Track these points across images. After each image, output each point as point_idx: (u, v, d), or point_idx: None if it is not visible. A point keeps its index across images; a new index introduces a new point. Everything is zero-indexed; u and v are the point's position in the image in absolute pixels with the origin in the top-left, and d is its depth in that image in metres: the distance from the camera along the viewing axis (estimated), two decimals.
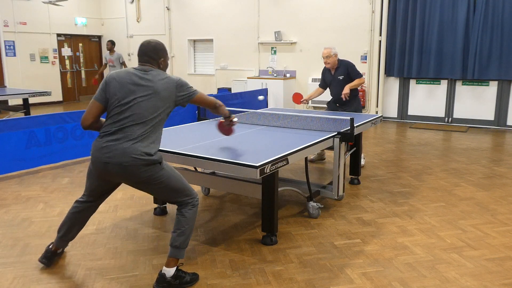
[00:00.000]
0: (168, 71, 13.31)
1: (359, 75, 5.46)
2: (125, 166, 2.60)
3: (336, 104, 5.64)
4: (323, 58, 5.48)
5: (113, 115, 2.68)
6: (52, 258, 3.08)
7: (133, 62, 13.37)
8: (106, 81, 2.74)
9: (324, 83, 5.71)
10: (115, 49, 10.18)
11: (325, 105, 6.13)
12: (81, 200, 3.00)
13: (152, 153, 2.66)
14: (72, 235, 3.07)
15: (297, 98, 5.80)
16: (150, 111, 2.66)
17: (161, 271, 2.77)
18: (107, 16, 13.73)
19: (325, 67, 5.64)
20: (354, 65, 5.54)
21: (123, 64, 9.90)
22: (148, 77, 2.71)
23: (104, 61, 10.18)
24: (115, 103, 2.67)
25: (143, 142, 2.64)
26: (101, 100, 2.72)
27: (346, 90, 5.32)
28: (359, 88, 5.68)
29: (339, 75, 5.49)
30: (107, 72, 10.75)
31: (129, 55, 13.43)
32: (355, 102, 5.58)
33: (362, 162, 5.66)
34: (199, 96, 2.91)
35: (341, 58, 5.60)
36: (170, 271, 2.74)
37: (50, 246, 3.10)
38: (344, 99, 5.37)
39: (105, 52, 13.94)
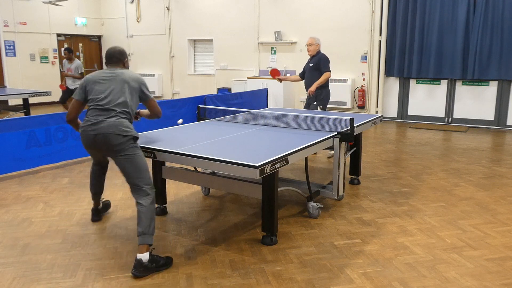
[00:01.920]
0: (168, 71, 13.37)
1: (326, 70, 6.02)
2: (108, 135, 3.12)
3: (306, 92, 6.15)
4: (306, 46, 6.15)
5: (93, 105, 3.23)
6: (99, 213, 3.96)
7: (132, 63, 13.39)
8: (83, 83, 3.33)
9: (302, 72, 6.33)
10: (74, 57, 9.41)
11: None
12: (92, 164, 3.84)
13: (131, 129, 3.20)
14: (99, 190, 3.84)
15: (274, 73, 6.74)
16: (125, 95, 3.24)
17: (136, 257, 2.97)
18: (107, 16, 13.73)
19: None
20: (327, 60, 6.09)
21: (82, 74, 9.02)
22: (117, 72, 3.32)
23: (61, 69, 9.38)
24: (94, 98, 3.24)
25: (123, 120, 3.19)
26: (80, 98, 3.33)
27: (313, 88, 5.96)
28: (359, 88, 5.95)
29: (310, 63, 6.16)
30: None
31: (129, 55, 13.42)
32: (320, 93, 6.07)
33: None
34: (152, 102, 3.48)
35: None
36: (145, 256, 2.97)
37: (92, 208, 3.96)
38: (309, 95, 6.07)
39: (103, 55, 13.94)
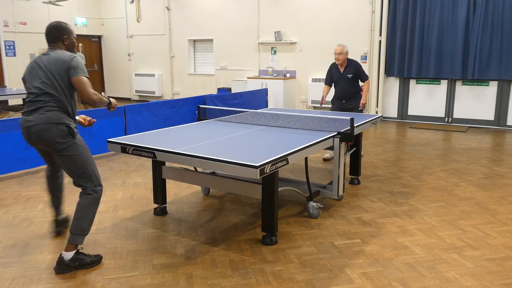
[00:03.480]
0: (168, 71, 13.35)
1: (367, 77, 5.93)
2: (40, 132, 2.94)
3: (342, 100, 5.97)
4: (335, 54, 5.79)
5: (27, 97, 3.05)
6: (58, 227, 3.58)
7: (132, 62, 13.40)
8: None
9: (330, 81, 6.03)
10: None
11: (323, 105, 6.22)
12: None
13: (63, 122, 2.98)
14: (57, 202, 3.52)
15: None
16: (52, 82, 2.97)
17: (61, 254, 2.99)
18: (107, 16, 13.73)
19: (332, 65, 5.98)
20: (361, 66, 5.95)
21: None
22: (49, 55, 3.03)
23: None
24: (26, 87, 3.06)
25: (54, 112, 2.97)
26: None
27: (365, 100, 5.90)
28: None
29: (348, 74, 5.85)
30: None
31: (129, 55, 13.43)
32: (358, 98, 5.96)
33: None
34: (78, 81, 2.98)
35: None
36: (68, 255, 2.97)
37: (54, 219, 3.59)
38: (362, 107, 5.94)
39: (105, 53, 13.97)
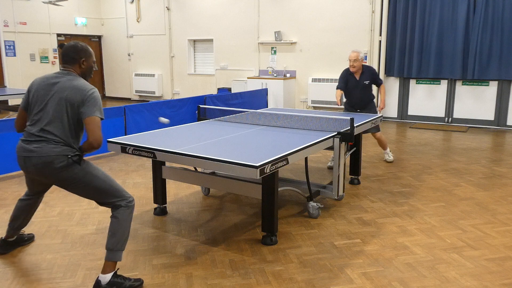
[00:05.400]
0: (168, 71, 13.33)
1: (382, 81, 5.75)
2: (41, 165, 2.66)
3: (356, 109, 5.70)
4: (350, 61, 5.46)
5: (30, 120, 2.76)
6: (7, 246, 3.27)
7: (132, 62, 13.39)
8: (29, 86, 2.82)
9: (344, 86, 5.59)
10: None
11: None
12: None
13: (67, 153, 2.68)
14: (21, 225, 3.23)
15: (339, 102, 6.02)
16: (60, 114, 2.66)
17: (97, 277, 2.72)
18: (107, 16, 13.72)
19: (346, 71, 5.60)
20: (376, 70, 5.78)
21: None
22: (63, 78, 2.72)
23: None
24: (31, 109, 2.76)
25: (58, 144, 2.67)
26: (23, 106, 2.84)
27: (383, 105, 5.78)
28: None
29: (365, 80, 5.56)
30: None
31: (129, 55, 13.43)
32: (373, 105, 5.74)
33: (391, 158, 6.02)
34: (91, 124, 2.60)
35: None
36: (105, 278, 2.70)
37: (3, 237, 3.29)
38: (379, 111, 5.82)
39: (105, 53, 13.95)
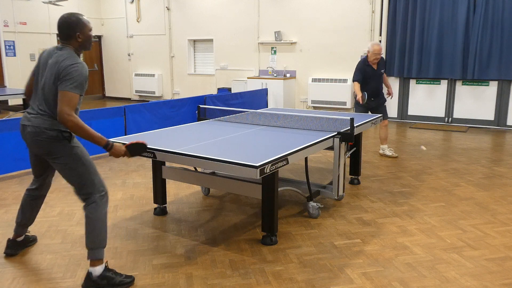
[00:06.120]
0: (168, 71, 13.33)
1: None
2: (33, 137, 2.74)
3: (371, 98, 5.92)
4: (376, 54, 5.74)
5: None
6: (17, 247, 3.25)
7: (132, 62, 13.39)
8: (38, 57, 2.91)
9: (363, 78, 5.83)
10: None
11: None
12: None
13: (55, 129, 2.72)
14: (29, 221, 3.22)
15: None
16: (49, 87, 2.70)
17: (88, 270, 2.77)
18: (107, 16, 13.72)
19: (363, 62, 5.85)
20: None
21: None
22: (56, 53, 2.72)
23: None
24: (35, 82, 2.85)
25: (50, 118, 2.73)
26: (32, 73, 2.94)
27: (392, 90, 6.25)
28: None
29: (381, 69, 5.94)
30: None
31: (129, 55, 13.43)
32: (382, 93, 6.12)
33: (389, 153, 6.21)
34: (63, 96, 2.57)
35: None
36: (95, 270, 2.74)
37: (9, 238, 3.27)
38: (391, 97, 6.30)
39: (105, 53, 13.95)
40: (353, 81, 5.85)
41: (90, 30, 2.85)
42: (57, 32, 2.80)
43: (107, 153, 3.03)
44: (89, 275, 2.75)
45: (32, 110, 2.80)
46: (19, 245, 3.28)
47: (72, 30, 2.75)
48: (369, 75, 5.82)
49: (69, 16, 2.78)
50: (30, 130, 2.75)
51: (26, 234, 3.34)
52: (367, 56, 5.85)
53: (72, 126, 2.59)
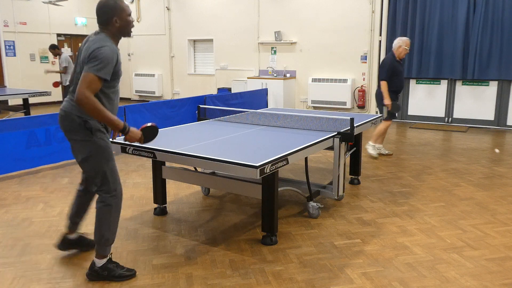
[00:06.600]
0: (168, 71, 13.34)
1: None
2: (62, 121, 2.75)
3: (397, 94, 6.01)
4: (407, 48, 5.89)
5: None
6: (67, 244, 3.21)
7: (132, 62, 13.39)
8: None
9: (391, 75, 5.85)
10: (62, 50, 9.44)
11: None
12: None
13: (85, 118, 2.68)
14: (77, 219, 3.18)
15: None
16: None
17: (93, 259, 2.88)
18: None
19: (392, 59, 5.88)
20: None
21: (64, 68, 8.97)
22: (90, 39, 2.70)
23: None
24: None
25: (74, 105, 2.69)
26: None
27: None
28: (359, 88, 5.97)
29: (403, 63, 6.10)
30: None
31: (129, 55, 13.44)
32: None
33: (374, 152, 6.14)
34: (85, 77, 2.52)
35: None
36: (98, 262, 2.86)
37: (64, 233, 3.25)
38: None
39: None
40: (381, 80, 5.87)
41: (129, 15, 2.74)
42: (96, 17, 2.73)
43: None
44: (93, 264, 2.87)
45: (70, 95, 2.78)
46: (70, 244, 3.22)
47: (108, 14, 2.66)
48: (398, 71, 5.89)
49: (106, 0, 2.68)
50: (59, 114, 2.77)
51: (82, 235, 3.28)
52: (393, 52, 5.91)
53: (87, 107, 2.51)
